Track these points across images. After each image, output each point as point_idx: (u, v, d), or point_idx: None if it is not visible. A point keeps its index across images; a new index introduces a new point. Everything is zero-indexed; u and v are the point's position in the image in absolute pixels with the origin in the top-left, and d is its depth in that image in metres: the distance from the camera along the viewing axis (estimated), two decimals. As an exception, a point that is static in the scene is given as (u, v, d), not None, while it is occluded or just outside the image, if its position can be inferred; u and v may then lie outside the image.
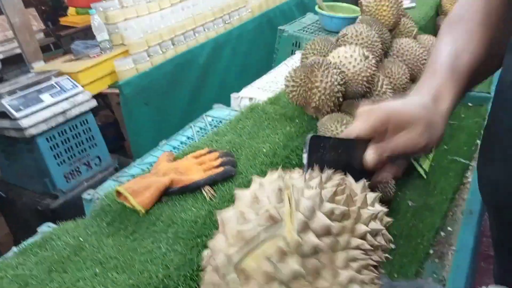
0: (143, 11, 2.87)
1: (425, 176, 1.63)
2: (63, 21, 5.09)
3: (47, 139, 2.22)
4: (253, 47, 3.47)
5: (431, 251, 1.31)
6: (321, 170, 0.53)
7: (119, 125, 3.04)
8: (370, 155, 0.57)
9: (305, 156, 0.54)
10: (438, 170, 1.70)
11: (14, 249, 0.86)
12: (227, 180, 0.97)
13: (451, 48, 0.70)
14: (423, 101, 0.64)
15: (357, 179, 0.54)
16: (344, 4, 2.19)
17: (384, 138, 0.59)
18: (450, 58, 0.69)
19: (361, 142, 0.59)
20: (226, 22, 3.42)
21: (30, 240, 0.88)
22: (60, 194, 2.31)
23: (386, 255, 0.53)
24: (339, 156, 0.57)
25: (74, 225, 0.91)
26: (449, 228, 1.39)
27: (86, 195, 1.01)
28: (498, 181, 0.64)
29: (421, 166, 1.65)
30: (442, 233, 1.37)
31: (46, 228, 0.92)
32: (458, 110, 2.11)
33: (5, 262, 0.83)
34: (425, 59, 1.69)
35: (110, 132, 3.02)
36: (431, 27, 2.47)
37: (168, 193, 0.94)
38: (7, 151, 2.47)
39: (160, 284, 0.74)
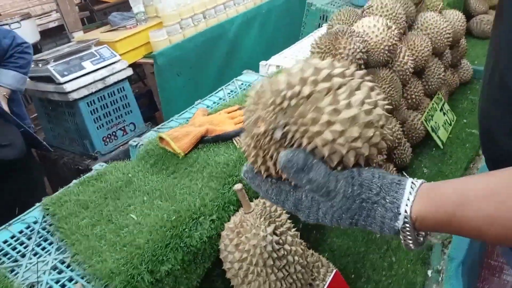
0: (177, -15, 2.98)
1: (442, 147, 1.71)
2: (97, -4, 5.27)
3: (87, 103, 2.40)
4: (281, 22, 3.54)
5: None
6: None
7: (152, 95, 3.19)
8: None
9: None
10: (456, 141, 1.77)
11: (75, 181, 1.02)
12: (255, 132, 1.09)
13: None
14: None
15: None
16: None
17: None
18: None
19: None
20: (256, -3, 3.49)
21: (87, 174, 1.03)
22: (99, 155, 2.50)
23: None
24: None
25: (123, 164, 1.06)
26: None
27: (132, 142, 1.16)
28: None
29: (439, 137, 1.72)
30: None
31: (99, 166, 1.08)
32: (478, 86, 2.14)
33: (68, 190, 0.99)
34: (449, 34, 1.74)
35: (143, 102, 3.19)
36: (460, 2, 2.47)
37: (203, 141, 1.07)
38: (50, 115, 2.68)
39: (197, 211, 0.88)
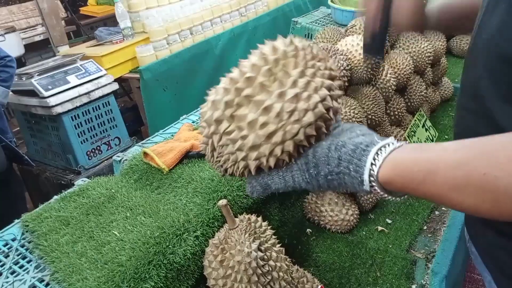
0: (164, 1, 3.01)
1: (425, 162, 1.74)
2: (83, 10, 5.29)
3: (72, 117, 2.38)
4: (268, 39, 3.58)
5: (424, 227, 1.41)
6: None
7: (138, 110, 3.18)
8: None
9: None
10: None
11: (56, 196, 1.00)
12: (240, 147, 1.09)
13: None
14: None
15: None
16: (356, -1, 2.29)
17: None
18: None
19: None
20: (242, 14, 3.54)
21: (69, 190, 1.02)
22: (82, 170, 2.47)
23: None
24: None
25: (106, 179, 1.05)
26: (443, 208, 1.49)
27: (116, 157, 1.15)
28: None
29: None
30: (437, 212, 1.48)
31: (81, 182, 1.06)
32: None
33: (48, 205, 0.97)
34: (429, 53, 1.79)
35: (128, 116, 3.17)
36: (440, 23, 2.55)
37: (188, 156, 1.07)
38: (33, 129, 2.64)
39: (181, 227, 0.87)
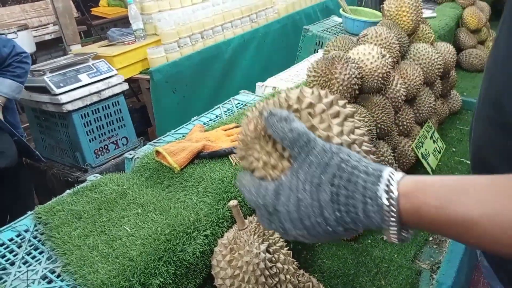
0: (176, 4, 3.05)
1: (431, 173, 1.74)
2: (95, 11, 5.35)
3: (81, 115, 2.40)
4: (277, 46, 3.62)
5: (430, 238, 1.42)
6: None
7: (147, 110, 3.21)
8: None
9: None
10: (445, 169, 1.80)
11: (68, 190, 1.01)
12: (251, 150, 1.10)
13: None
14: None
15: None
16: (367, 9, 2.31)
17: None
18: None
19: None
20: (253, 20, 3.58)
21: (81, 184, 1.03)
22: (89, 168, 2.48)
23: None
24: None
25: (118, 176, 1.06)
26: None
27: (127, 155, 1.16)
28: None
29: (428, 164, 1.76)
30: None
31: (93, 178, 1.07)
32: (467, 116, 2.20)
33: (61, 199, 0.98)
34: (440, 65, 1.80)
35: (136, 117, 3.20)
36: (450, 36, 2.57)
37: (199, 157, 1.08)
38: (42, 125, 2.66)
39: (191, 226, 0.88)
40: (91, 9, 5.50)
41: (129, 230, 0.85)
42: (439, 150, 1.87)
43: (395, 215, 0.46)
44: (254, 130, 0.60)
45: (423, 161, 1.73)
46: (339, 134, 0.58)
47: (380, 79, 1.44)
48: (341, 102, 0.62)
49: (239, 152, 0.62)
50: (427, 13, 2.54)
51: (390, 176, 0.47)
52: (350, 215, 0.48)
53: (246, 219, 0.90)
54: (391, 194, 0.46)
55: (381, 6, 1.83)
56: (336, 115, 0.60)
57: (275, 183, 0.54)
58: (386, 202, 0.46)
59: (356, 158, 0.50)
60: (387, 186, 0.46)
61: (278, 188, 0.53)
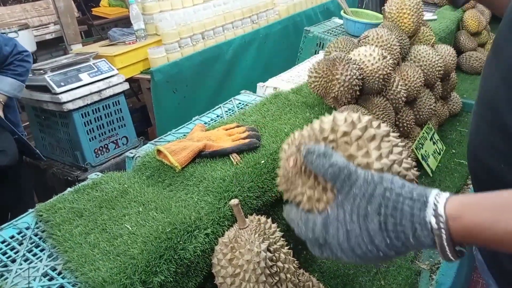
0: (177, 5, 3.05)
1: (431, 175, 1.75)
2: (95, 11, 5.35)
3: (82, 115, 2.40)
4: (278, 47, 3.62)
5: (429, 239, 1.42)
6: None
7: (147, 110, 3.21)
8: None
9: None
10: (444, 170, 1.81)
11: (69, 188, 1.02)
12: (251, 150, 1.11)
13: None
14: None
15: None
16: (368, 11, 2.32)
17: None
18: None
19: None
20: (254, 22, 3.58)
21: (83, 183, 1.03)
22: (89, 167, 2.49)
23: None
24: None
25: (119, 174, 1.06)
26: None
27: (128, 154, 1.17)
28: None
29: (428, 166, 1.76)
30: (442, 225, 1.48)
31: (94, 176, 1.08)
32: (467, 118, 2.21)
33: (62, 197, 0.98)
34: (440, 67, 1.80)
35: (136, 117, 3.20)
36: (450, 39, 2.58)
37: (200, 156, 1.08)
38: (42, 124, 2.66)
39: (192, 224, 0.88)
40: (92, 9, 5.51)
41: (130, 228, 0.86)
42: (439, 151, 1.87)
43: (445, 237, 0.47)
44: (294, 166, 0.61)
45: (422, 162, 1.73)
46: (378, 158, 0.59)
47: (381, 80, 1.44)
48: (375, 124, 0.63)
49: (281, 185, 0.64)
50: (427, 15, 2.55)
51: (435, 199, 0.49)
52: (401, 240, 0.50)
53: (247, 218, 0.91)
54: (440, 218, 0.47)
55: (382, 8, 1.84)
56: (372, 138, 0.61)
57: (322, 215, 0.56)
58: (436, 226, 0.48)
59: (399, 185, 0.51)
60: (435, 210, 0.48)
61: (326, 221, 0.55)
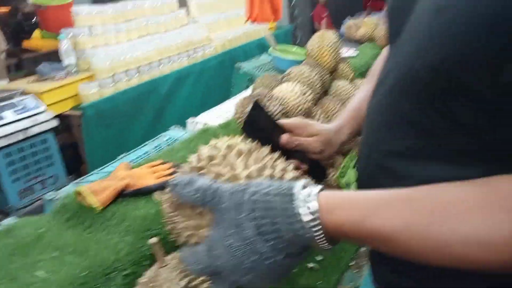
0: (112, 40, 3.05)
1: (356, 201, 1.86)
2: (27, 44, 5.13)
3: (5, 154, 2.27)
4: (214, 81, 3.71)
5: (352, 263, 1.49)
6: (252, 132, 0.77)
7: (79, 148, 3.10)
8: (285, 136, 0.84)
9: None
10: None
11: (-22, 237, 0.96)
12: (176, 186, 1.12)
13: (359, 96, 0.97)
14: (330, 128, 0.94)
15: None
16: (297, 48, 2.47)
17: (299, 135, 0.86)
18: (356, 104, 0.99)
19: (283, 130, 0.87)
20: (190, 56, 3.66)
21: (-6, 230, 0.98)
22: (12, 211, 2.33)
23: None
24: (268, 130, 0.85)
25: (37, 218, 1.02)
26: (371, 244, 1.58)
27: (47, 196, 1.13)
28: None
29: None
30: (363, 248, 1.57)
31: (10, 221, 1.03)
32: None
33: (-31, 247, 0.93)
34: (359, 100, 1.96)
35: (68, 154, 3.07)
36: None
37: (123, 195, 1.08)
38: (-40, 166, 2.47)
39: (110, 266, 0.87)
40: (23, 40, 5.27)
41: (40, 276, 0.83)
42: (362, 178, 2.00)
43: (320, 226, 0.47)
44: (170, 205, 0.62)
45: (346, 189, 1.84)
46: (245, 168, 0.62)
47: (302, 114, 1.54)
48: (238, 140, 0.67)
49: (172, 232, 0.64)
50: (350, 52, 2.76)
51: (303, 189, 0.49)
52: (282, 238, 0.48)
53: (169, 255, 0.91)
54: (310, 207, 0.47)
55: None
56: (239, 153, 0.65)
57: (205, 241, 0.54)
58: (308, 218, 0.47)
59: (266, 185, 0.50)
60: (305, 201, 0.48)
61: (209, 245, 0.53)
